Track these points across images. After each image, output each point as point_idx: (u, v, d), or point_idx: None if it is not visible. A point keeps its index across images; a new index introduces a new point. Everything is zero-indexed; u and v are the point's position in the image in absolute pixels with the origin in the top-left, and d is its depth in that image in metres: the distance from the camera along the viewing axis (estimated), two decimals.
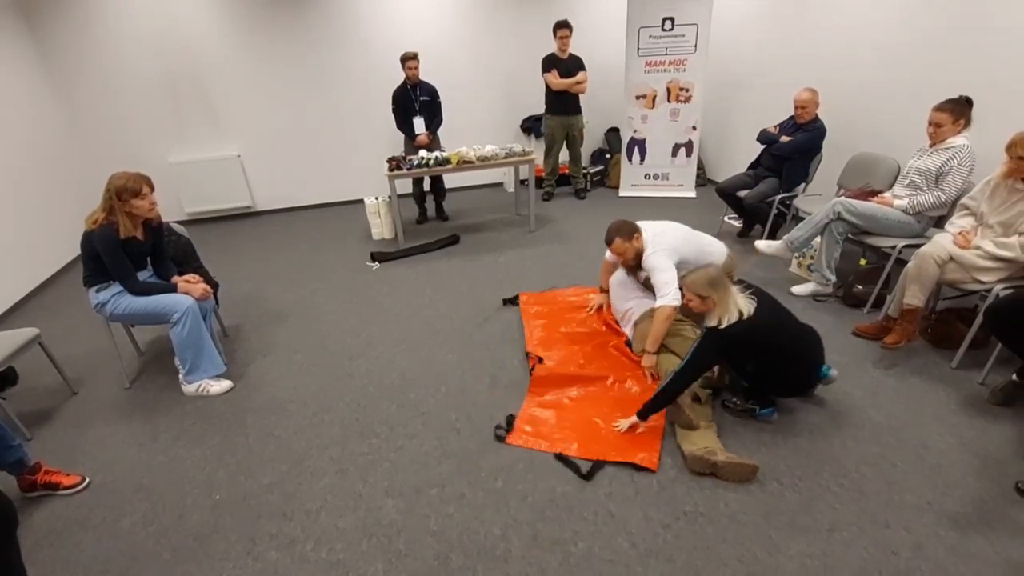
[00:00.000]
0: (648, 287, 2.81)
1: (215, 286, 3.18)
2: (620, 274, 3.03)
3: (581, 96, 5.38)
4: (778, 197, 3.95)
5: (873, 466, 2.07)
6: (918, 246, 2.72)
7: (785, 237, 3.31)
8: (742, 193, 4.13)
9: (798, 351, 2.21)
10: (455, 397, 2.64)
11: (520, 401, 2.56)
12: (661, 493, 2.00)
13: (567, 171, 5.90)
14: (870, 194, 3.23)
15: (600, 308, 3.25)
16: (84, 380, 3.00)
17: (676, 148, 5.60)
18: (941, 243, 2.60)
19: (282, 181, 5.91)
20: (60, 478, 2.19)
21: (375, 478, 2.17)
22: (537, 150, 5.73)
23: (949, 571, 1.65)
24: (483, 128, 6.06)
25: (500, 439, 2.30)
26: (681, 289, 2.37)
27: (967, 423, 2.26)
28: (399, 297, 3.76)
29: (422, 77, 4.86)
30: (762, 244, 3.44)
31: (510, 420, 2.39)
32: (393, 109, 4.94)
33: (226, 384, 2.81)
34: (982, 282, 2.51)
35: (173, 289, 2.73)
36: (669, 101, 5.44)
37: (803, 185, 4.00)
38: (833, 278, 3.25)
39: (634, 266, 2.86)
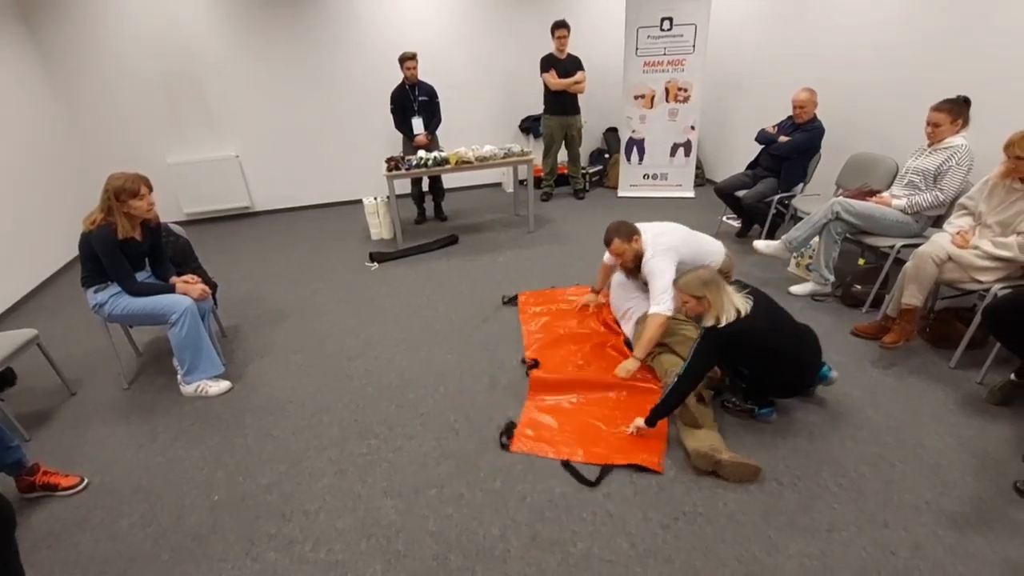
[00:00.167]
0: (646, 290, 2.80)
1: (213, 286, 3.17)
2: (620, 276, 3.03)
3: (580, 96, 5.38)
4: (776, 197, 3.96)
5: (872, 466, 2.07)
6: (916, 246, 2.72)
7: (784, 237, 3.31)
8: (741, 193, 4.13)
9: (795, 353, 2.21)
10: (454, 398, 2.64)
11: (519, 401, 2.56)
12: (660, 493, 2.00)
13: (566, 171, 5.91)
14: (868, 194, 3.23)
15: (587, 307, 3.25)
16: (82, 381, 3.00)
17: (675, 148, 5.61)
18: (939, 243, 2.61)
19: (281, 181, 5.91)
20: (58, 479, 2.19)
21: (374, 479, 2.17)
22: (536, 150, 5.73)
23: (947, 571, 1.65)
24: (482, 128, 6.06)
25: (504, 447, 2.26)
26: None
27: (965, 423, 2.26)
28: (398, 297, 3.76)
29: (421, 77, 4.86)
30: (761, 244, 3.44)
31: (510, 427, 2.36)
32: (392, 109, 4.94)
33: (225, 385, 2.81)
34: (980, 282, 2.51)
35: (171, 290, 2.73)
36: (668, 101, 5.45)
37: (801, 185, 4.00)
38: (832, 278, 3.26)
39: (633, 268, 2.85)
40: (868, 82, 3.85)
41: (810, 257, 3.45)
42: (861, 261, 3.36)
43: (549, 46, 5.21)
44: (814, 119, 3.86)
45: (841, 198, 3.17)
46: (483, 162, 4.53)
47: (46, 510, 2.12)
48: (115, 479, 2.26)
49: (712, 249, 2.88)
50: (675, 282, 2.35)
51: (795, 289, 3.40)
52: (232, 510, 2.06)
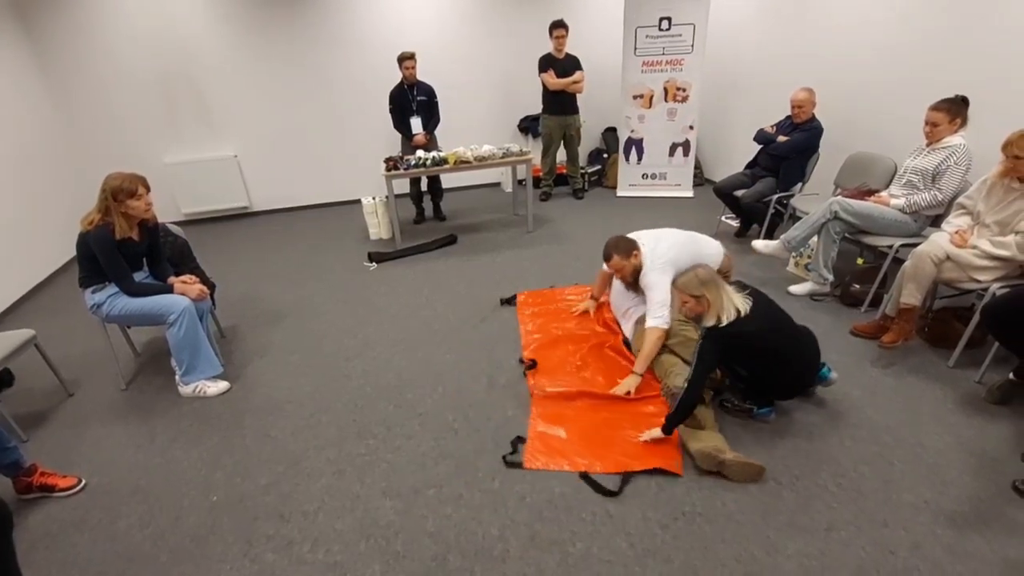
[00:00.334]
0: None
1: (212, 287, 3.17)
2: (619, 285, 3.03)
3: (578, 96, 5.39)
4: (775, 197, 3.96)
5: (871, 465, 2.07)
6: (915, 245, 2.73)
7: (782, 237, 3.31)
8: (739, 193, 4.13)
9: (794, 354, 2.21)
10: (452, 398, 2.63)
11: (517, 402, 2.56)
12: (659, 494, 2.00)
13: (564, 171, 5.91)
14: (867, 193, 3.23)
15: (586, 312, 3.25)
16: (80, 381, 2.99)
17: (673, 148, 5.61)
18: (938, 242, 2.61)
19: (279, 181, 5.90)
20: (56, 480, 2.18)
21: (372, 479, 2.16)
22: (534, 150, 5.72)
23: (946, 570, 1.65)
24: (480, 128, 6.06)
25: (513, 465, 2.16)
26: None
27: (964, 422, 2.26)
28: (396, 297, 3.75)
29: (419, 77, 4.86)
30: (759, 244, 3.44)
31: (516, 443, 2.27)
32: (390, 109, 4.93)
33: (223, 385, 2.80)
34: (979, 281, 2.51)
35: (169, 290, 2.72)
36: (666, 101, 5.45)
37: (800, 184, 4.00)
38: (830, 277, 3.26)
39: (632, 282, 2.86)
40: (867, 82, 3.85)
41: (809, 257, 3.45)
42: (860, 260, 3.36)
43: (547, 46, 5.21)
44: (812, 119, 3.86)
45: (840, 198, 3.17)
46: (482, 162, 4.52)
47: (43, 511, 2.11)
48: (113, 480, 2.25)
49: (710, 251, 2.87)
50: (674, 282, 2.34)
51: (794, 289, 3.40)
52: (230, 511, 2.06)
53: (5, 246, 4.07)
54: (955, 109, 2.82)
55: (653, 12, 5.14)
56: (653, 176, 5.78)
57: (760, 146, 4.16)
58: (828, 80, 4.03)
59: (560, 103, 5.33)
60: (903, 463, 2.07)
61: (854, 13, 3.90)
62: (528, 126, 6.24)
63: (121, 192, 2.46)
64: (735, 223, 4.47)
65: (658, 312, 2.54)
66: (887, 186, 3.30)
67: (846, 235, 3.18)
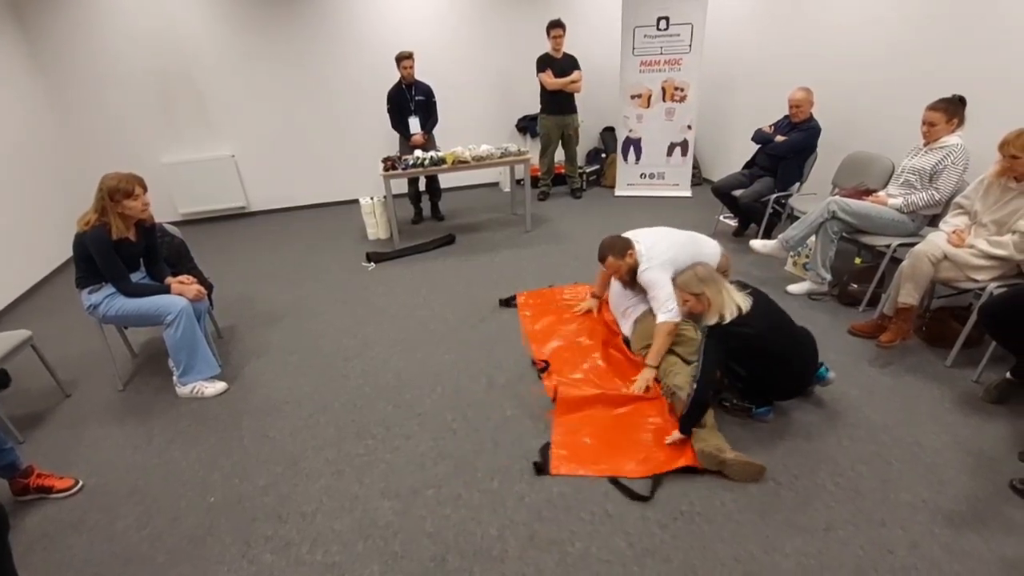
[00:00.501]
0: (645, 298, 2.80)
1: (209, 287, 3.16)
2: (618, 285, 3.03)
3: (576, 95, 5.39)
4: (773, 196, 3.96)
5: (869, 464, 2.07)
6: (912, 245, 2.73)
7: (780, 236, 3.32)
8: (737, 192, 4.14)
9: (793, 355, 2.21)
10: (451, 398, 2.63)
11: (516, 401, 2.56)
12: (658, 493, 2.00)
13: (563, 171, 5.91)
14: (864, 193, 3.24)
15: (589, 311, 3.25)
16: (77, 382, 2.98)
17: (671, 147, 5.61)
18: (935, 242, 2.61)
19: (277, 181, 5.89)
20: (53, 481, 2.17)
21: (371, 479, 2.16)
22: (533, 150, 5.72)
23: (944, 569, 1.66)
24: (478, 128, 6.05)
25: (541, 471, 2.14)
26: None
27: (962, 421, 2.26)
28: (395, 297, 3.75)
29: (417, 77, 4.85)
30: (758, 243, 3.45)
31: (544, 450, 2.23)
32: (388, 109, 4.92)
33: (221, 386, 2.80)
34: (976, 280, 2.52)
35: (167, 290, 2.72)
36: (664, 100, 5.45)
37: (798, 184, 4.01)
38: (828, 277, 3.26)
39: (629, 280, 2.86)
40: (864, 82, 3.86)
41: (807, 256, 3.46)
42: (858, 260, 3.36)
43: (545, 46, 5.20)
44: (810, 118, 3.87)
45: (837, 197, 3.18)
46: (480, 162, 4.52)
47: (40, 512, 2.10)
48: (110, 481, 2.25)
49: (707, 250, 2.87)
50: (674, 280, 2.34)
51: (792, 288, 3.40)
52: (228, 512, 2.05)
53: (1, 247, 4.06)
54: (952, 109, 2.83)
55: (651, 12, 5.14)
56: (651, 176, 5.78)
57: (758, 146, 4.16)
58: (826, 80, 4.04)
59: (558, 103, 5.33)
60: (901, 462, 2.07)
61: (852, 13, 3.91)
62: (526, 126, 6.24)
63: (118, 192, 2.46)
64: (733, 223, 4.48)
65: (667, 306, 2.54)
66: (885, 186, 3.31)
67: (844, 235, 3.18)
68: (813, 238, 3.27)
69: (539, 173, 5.80)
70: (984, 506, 1.86)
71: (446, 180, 5.61)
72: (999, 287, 2.45)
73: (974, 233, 2.60)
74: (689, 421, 2.12)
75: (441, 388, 2.71)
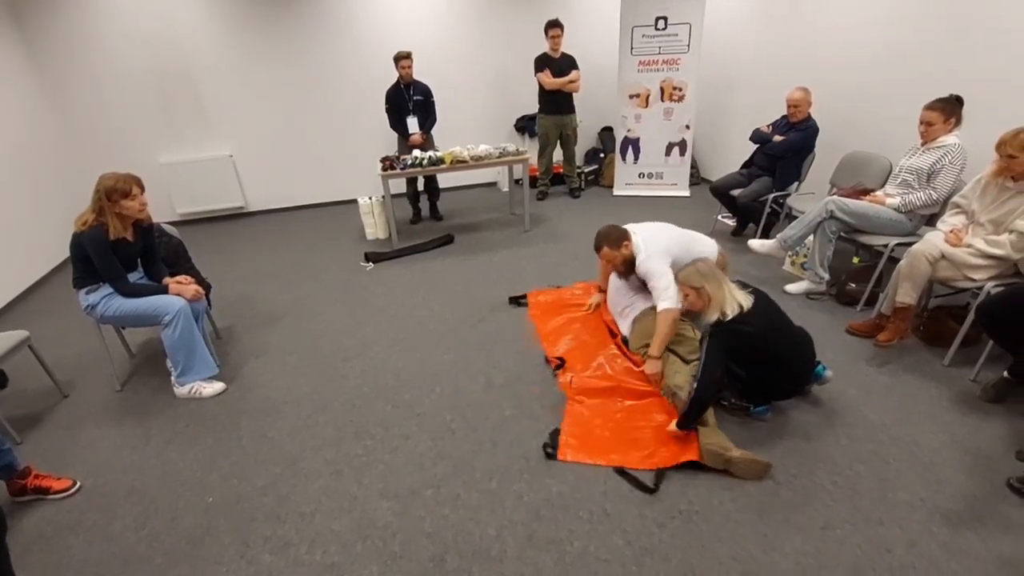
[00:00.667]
0: (643, 290, 2.80)
1: (207, 287, 3.15)
2: (615, 280, 3.03)
3: (574, 95, 5.39)
4: (771, 196, 3.97)
5: (867, 464, 2.07)
6: (910, 244, 2.74)
7: (779, 236, 3.32)
8: (736, 192, 4.14)
9: (792, 356, 2.22)
10: (450, 398, 2.63)
11: (515, 401, 2.56)
12: (656, 492, 2.00)
13: (561, 170, 5.91)
14: (862, 192, 3.24)
15: (599, 306, 3.25)
16: (75, 383, 2.97)
17: (670, 147, 5.61)
18: (933, 241, 2.62)
19: (275, 181, 5.88)
20: (50, 482, 2.17)
21: (370, 480, 2.16)
22: (531, 149, 5.72)
23: (942, 567, 1.66)
24: (477, 127, 6.05)
25: (550, 456, 2.18)
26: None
27: (959, 420, 2.27)
28: (393, 297, 3.75)
29: (416, 76, 4.85)
30: (756, 243, 3.46)
31: (554, 435, 2.28)
32: (387, 109, 4.92)
33: (219, 386, 2.79)
34: (973, 280, 2.52)
35: (164, 291, 2.71)
36: (662, 100, 5.45)
37: (796, 184, 4.01)
38: (826, 276, 3.27)
39: (625, 271, 2.85)
40: (862, 82, 3.86)
41: (805, 256, 3.47)
42: (855, 259, 3.37)
43: (543, 45, 5.21)
44: (808, 118, 3.87)
45: (835, 197, 3.18)
46: (478, 161, 4.52)
47: (38, 513, 2.10)
48: (108, 482, 2.24)
49: (704, 248, 2.87)
50: (675, 276, 2.33)
51: (790, 288, 3.41)
52: (227, 512, 2.05)
53: None
54: (949, 109, 2.83)
55: (649, 11, 5.14)
56: (650, 175, 5.79)
57: (756, 145, 4.17)
58: (824, 80, 4.04)
59: (556, 103, 5.33)
60: (899, 461, 2.08)
61: (849, 13, 3.92)
62: (524, 125, 6.24)
63: (115, 192, 2.45)
64: (731, 222, 4.48)
65: (667, 294, 2.54)
66: (882, 185, 3.31)
67: (842, 234, 3.19)
68: (811, 237, 3.28)
69: (537, 173, 5.80)
70: (982, 505, 1.87)
71: (444, 180, 5.60)
72: (996, 286, 2.46)
73: (971, 232, 2.61)
74: (688, 419, 2.12)
75: (440, 388, 2.71)
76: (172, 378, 2.77)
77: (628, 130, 5.66)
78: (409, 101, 4.86)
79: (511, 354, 2.95)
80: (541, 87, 5.28)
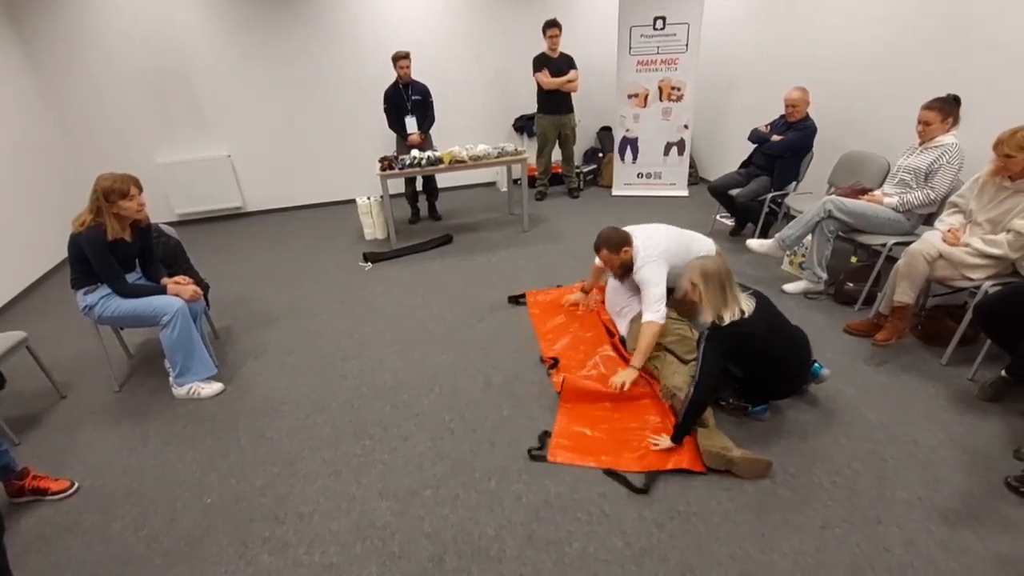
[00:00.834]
0: (639, 293, 2.80)
1: (205, 287, 3.15)
2: (614, 283, 3.03)
3: (573, 95, 5.39)
4: (770, 195, 3.97)
5: (864, 463, 2.08)
6: (908, 244, 2.74)
7: (777, 235, 3.33)
8: (734, 192, 4.14)
9: (791, 356, 2.22)
10: (449, 398, 2.63)
11: (514, 401, 2.56)
12: (654, 492, 2.00)
13: (560, 170, 5.91)
14: (860, 192, 3.25)
15: (576, 305, 3.27)
16: (73, 384, 2.97)
17: (668, 147, 5.62)
18: (930, 241, 2.62)
19: (273, 181, 5.87)
20: (48, 483, 2.16)
21: (369, 480, 2.16)
22: (529, 149, 5.72)
23: (940, 566, 1.66)
24: (475, 127, 6.05)
25: (537, 458, 2.18)
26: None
27: (957, 419, 2.27)
28: (392, 297, 3.74)
29: (414, 76, 4.85)
30: (754, 243, 3.46)
31: (543, 438, 2.28)
32: (385, 108, 4.92)
33: (217, 386, 2.79)
34: (971, 279, 2.53)
35: (162, 291, 2.71)
36: (661, 100, 5.45)
37: (794, 183, 4.02)
38: (824, 276, 3.27)
39: (621, 275, 2.86)
40: (860, 81, 3.87)
41: (803, 255, 3.47)
42: (853, 259, 3.37)
43: (542, 45, 5.20)
44: (806, 118, 3.88)
45: (833, 196, 3.19)
46: (477, 161, 4.52)
47: (36, 514, 2.09)
48: (106, 483, 2.24)
49: (701, 248, 2.87)
50: (687, 265, 2.26)
51: (788, 287, 3.41)
52: (225, 513, 2.05)
53: None
54: (947, 108, 2.84)
55: (647, 11, 5.14)
56: (648, 175, 5.79)
57: (754, 145, 4.17)
58: (822, 79, 4.05)
59: (555, 102, 5.32)
60: (896, 460, 2.08)
61: (847, 13, 3.92)
62: (523, 125, 6.24)
63: (113, 193, 2.44)
64: (730, 222, 4.49)
65: (655, 307, 2.55)
66: (880, 185, 3.32)
67: (840, 234, 3.19)
68: (809, 237, 3.28)
69: (536, 173, 5.80)
70: (979, 503, 1.87)
71: (443, 180, 5.61)
72: (994, 285, 2.46)
73: (969, 232, 2.62)
74: (685, 424, 2.11)
75: (439, 388, 2.71)
76: (170, 379, 2.76)
77: (627, 130, 5.66)
78: (407, 101, 4.86)
79: (510, 354, 2.95)
80: (539, 87, 5.28)
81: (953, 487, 1.95)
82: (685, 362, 2.52)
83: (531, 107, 5.63)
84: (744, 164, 4.28)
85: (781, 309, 2.29)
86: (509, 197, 5.55)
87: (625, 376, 2.50)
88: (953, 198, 2.75)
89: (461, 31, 5.76)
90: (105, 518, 2.06)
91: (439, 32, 5.69)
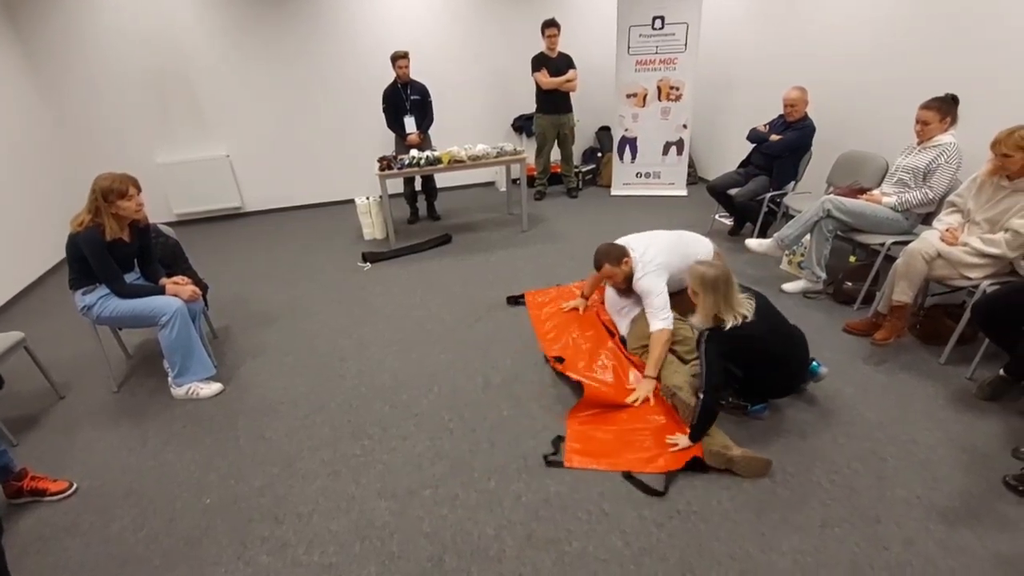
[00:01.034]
0: (641, 300, 2.78)
1: (204, 288, 3.15)
2: (613, 291, 3.03)
3: (572, 95, 5.39)
4: (768, 195, 3.98)
5: (863, 462, 2.08)
6: (906, 243, 2.74)
7: (776, 235, 3.33)
8: (733, 191, 4.15)
9: (790, 355, 2.22)
10: (448, 398, 2.63)
11: (513, 401, 2.56)
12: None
13: (559, 170, 5.91)
14: (859, 192, 3.25)
15: (575, 309, 3.26)
16: (71, 384, 2.96)
17: (667, 146, 5.62)
18: (929, 240, 2.63)
19: (272, 181, 5.87)
20: (47, 484, 2.16)
21: (368, 480, 2.15)
22: (528, 149, 5.72)
23: (939, 565, 1.67)
24: (474, 127, 6.05)
25: (552, 464, 2.16)
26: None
27: (955, 418, 2.28)
28: (390, 297, 3.74)
29: (413, 76, 4.84)
30: (753, 242, 3.46)
31: (557, 443, 2.26)
32: (384, 108, 4.92)
33: (216, 387, 2.79)
34: (969, 278, 2.53)
35: (161, 291, 2.70)
36: (660, 100, 5.46)
37: (793, 183, 4.02)
38: (823, 275, 3.28)
39: (625, 288, 2.86)
40: (859, 81, 3.87)
41: (802, 255, 3.47)
42: (852, 258, 3.38)
43: (540, 45, 5.20)
44: (805, 117, 3.88)
45: (832, 196, 3.19)
46: (476, 161, 4.52)
47: (35, 515, 2.09)
48: (105, 483, 2.24)
49: (699, 250, 2.87)
50: (691, 266, 2.23)
51: (787, 287, 3.41)
52: (224, 513, 2.04)
53: None
54: (945, 108, 2.84)
55: (646, 11, 5.15)
56: (647, 175, 5.79)
57: (753, 145, 4.17)
58: (820, 79, 4.05)
59: (554, 102, 5.33)
60: (895, 459, 2.08)
61: (846, 13, 3.93)
62: (522, 125, 6.24)
63: (111, 193, 2.44)
64: (729, 222, 4.49)
65: (661, 315, 2.55)
66: (879, 184, 3.32)
67: (838, 233, 3.20)
68: (808, 236, 3.28)
69: (535, 172, 5.80)
70: (978, 502, 1.87)
71: (442, 180, 5.61)
72: (992, 285, 2.47)
73: (967, 231, 2.62)
74: (700, 430, 2.10)
75: (438, 388, 2.71)
76: (169, 379, 2.76)
77: (625, 129, 5.66)
78: (406, 101, 4.86)
79: (509, 354, 2.95)
80: (538, 87, 5.28)
81: (952, 486, 1.95)
82: (685, 362, 2.52)
83: (530, 107, 5.63)
84: (743, 164, 4.28)
85: (780, 308, 2.29)
86: (508, 197, 5.55)
87: (644, 390, 2.47)
88: (951, 197, 2.75)
89: (460, 31, 5.76)
90: (104, 519, 2.06)
91: (438, 32, 5.69)
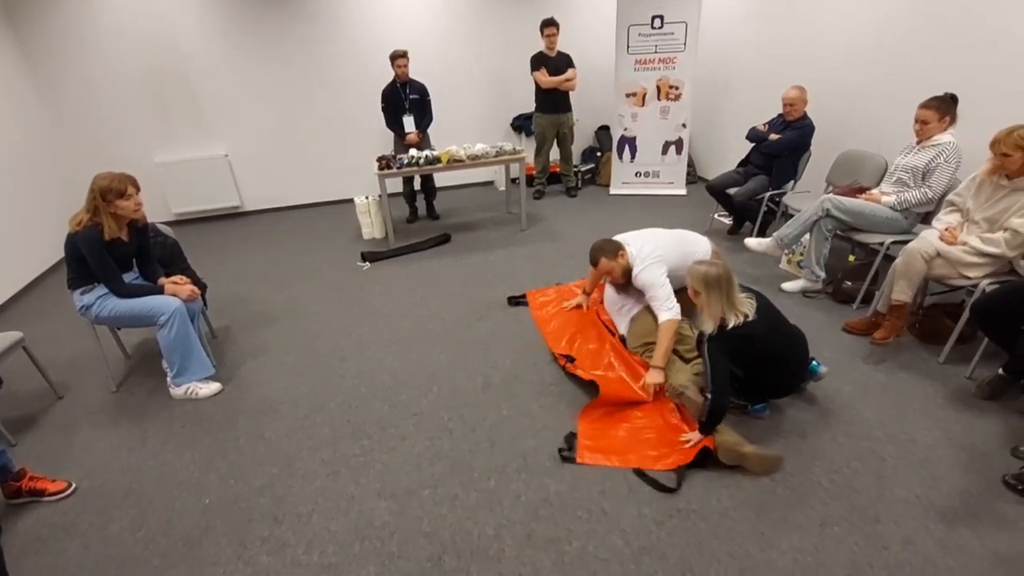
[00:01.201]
0: (640, 293, 2.78)
1: (203, 287, 3.14)
2: (612, 290, 3.03)
3: (571, 94, 5.39)
4: (768, 194, 3.98)
5: (863, 461, 2.08)
6: (906, 242, 2.75)
7: (775, 234, 3.33)
8: (732, 190, 4.15)
9: (790, 355, 2.22)
10: (447, 397, 2.63)
11: (512, 401, 2.56)
12: (654, 491, 2.00)
13: (558, 169, 5.91)
14: (858, 191, 3.25)
15: (579, 307, 3.25)
16: (70, 384, 2.96)
17: (666, 146, 5.62)
18: (928, 239, 2.63)
19: (271, 181, 5.86)
20: (45, 484, 2.15)
21: (367, 480, 2.15)
22: (527, 148, 5.72)
23: (938, 564, 1.67)
24: (473, 126, 6.04)
25: (567, 459, 2.17)
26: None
27: (954, 417, 2.28)
28: (390, 297, 3.74)
29: (412, 75, 4.84)
30: (752, 241, 3.46)
31: (570, 439, 2.27)
32: (383, 107, 4.91)
33: (215, 386, 2.78)
34: (968, 278, 2.53)
35: (160, 291, 2.70)
36: (659, 99, 5.46)
37: (792, 182, 4.02)
38: (822, 274, 3.28)
39: (623, 283, 2.85)
40: (858, 80, 3.87)
41: (801, 254, 3.48)
42: (851, 258, 3.38)
43: (539, 44, 5.20)
44: (804, 117, 3.88)
45: (831, 195, 3.19)
46: (475, 160, 4.51)
47: (33, 516, 2.09)
48: (104, 483, 2.23)
49: (697, 248, 2.86)
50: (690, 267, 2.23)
51: (787, 286, 3.42)
52: (224, 513, 2.04)
53: None
54: (944, 107, 2.85)
55: (645, 10, 5.14)
56: (646, 174, 5.79)
57: (752, 144, 4.18)
58: (820, 78, 4.06)
59: (553, 101, 5.32)
60: (895, 459, 2.09)
61: (846, 13, 3.92)
62: (521, 124, 6.23)
63: (110, 192, 2.43)
64: (728, 221, 4.49)
65: (667, 304, 2.53)
66: (878, 184, 3.33)
67: (838, 232, 3.20)
68: (807, 236, 3.28)
69: (534, 172, 5.80)
70: (977, 502, 1.88)
71: (441, 179, 5.60)
72: (991, 284, 2.47)
73: (966, 230, 2.62)
74: (710, 425, 2.10)
75: (437, 388, 2.71)
76: (168, 379, 2.76)
77: (625, 129, 5.66)
78: (405, 100, 4.85)
79: (508, 354, 2.95)
80: (537, 86, 5.27)
81: (951, 485, 1.95)
82: (687, 360, 2.52)
83: (529, 106, 5.63)
84: (742, 163, 4.28)
85: (779, 308, 2.29)
86: (507, 196, 5.55)
87: (654, 378, 2.46)
88: (950, 197, 2.75)
89: (459, 30, 5.75)
90: (103, 519, 2.05)
91: (437, 31, 5.68)
